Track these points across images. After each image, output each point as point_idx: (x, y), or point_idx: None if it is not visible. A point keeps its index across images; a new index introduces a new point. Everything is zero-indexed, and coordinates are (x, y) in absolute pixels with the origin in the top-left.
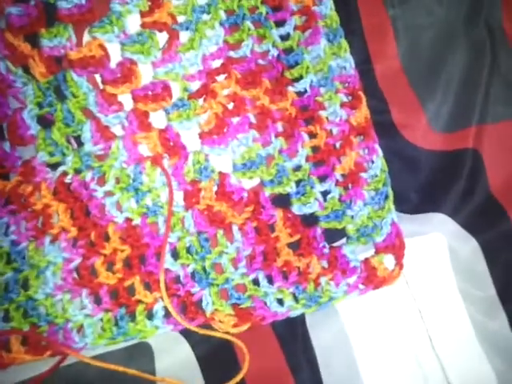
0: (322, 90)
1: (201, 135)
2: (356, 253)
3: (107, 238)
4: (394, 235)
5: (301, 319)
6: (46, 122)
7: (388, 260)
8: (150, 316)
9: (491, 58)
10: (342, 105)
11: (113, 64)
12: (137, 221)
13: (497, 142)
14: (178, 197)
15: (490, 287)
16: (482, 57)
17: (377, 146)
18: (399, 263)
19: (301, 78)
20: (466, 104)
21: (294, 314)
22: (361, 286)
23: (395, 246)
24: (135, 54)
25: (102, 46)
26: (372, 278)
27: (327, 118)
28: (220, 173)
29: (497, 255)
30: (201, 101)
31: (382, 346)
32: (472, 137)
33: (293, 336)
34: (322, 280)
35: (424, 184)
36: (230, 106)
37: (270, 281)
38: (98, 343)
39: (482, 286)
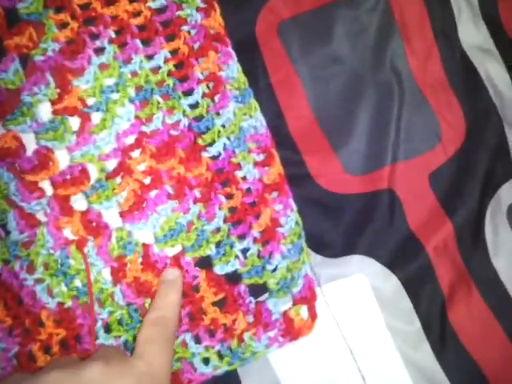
0: (236, 150)
1: (121, 213)
2: (278, 305)
3: (42, 324)
4: (306, 287)
5: (233, 374)
6: None
7: (305, 311)
8: None
9: (399, 99)
10: (256, 164)
11: (29, 153)
12: (68, 303)
13: (410, 178)
14: (106, 273)
15: (415, 320)
16: (391, 98)
17: (291, 201)
18: (312, 314)
19: (214, 142)
20: (378, 146)
21: (218, 372)
22: (280, 339)
23: (308, 297)
24: (50, 141)
25: (16, 137)
26: (290, 330)
27: (243, 177)
28: (144, 244)
29: (417, 289)
30: (118, 179)
31: None
32: (386, 177)
33: None
34: (246, 335)
35: (344, 227)
36: (147, 180)
37: (198, 340)
38: None
39: (408, 320)
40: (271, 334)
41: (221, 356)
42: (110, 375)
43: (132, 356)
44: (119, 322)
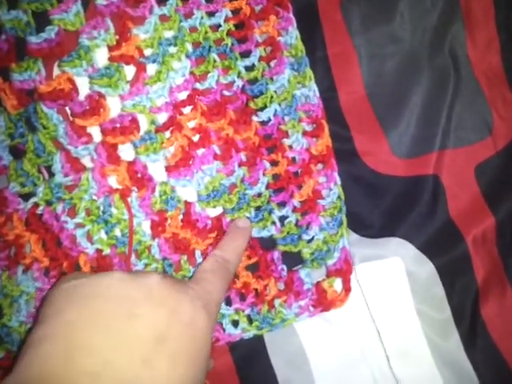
0: (286, 118)
1: (167, 168)
2: (311, 276)
3: (78, 268)
4: (342, 260)
5: (259, 340)
6: (17, 153)
7: (339, 283)
8: None
9: (454, 85)
10: (305, 133)
11: (81, 97)
12: (106, 251)
13: (456, 167)
14: (146, 226)
15: (446, 309)
16: (446, 84)
17: (335, 175)
18: (346, 287)
19: (265, 107)
20: (428, 130)
21: (246, 335)
22: (311, 308)
23: (343, 270)
24: (103, 87)
25: (70, 80)
26: (322, 301)
27: (290, 146)
28: (186, 202)
29: (452, 278)
30: (167, 133)
31: (341, 366)
32: (433, 162)
33: (251, 358)
34: (276, 302)
35: (385, 209)
36: (196, 138)
37: (228, 302)
38: None
39: (439, 308)
40: (302, 302)
41: (250, 320)
42: (167, 288)
43: (189, 280)
44: None
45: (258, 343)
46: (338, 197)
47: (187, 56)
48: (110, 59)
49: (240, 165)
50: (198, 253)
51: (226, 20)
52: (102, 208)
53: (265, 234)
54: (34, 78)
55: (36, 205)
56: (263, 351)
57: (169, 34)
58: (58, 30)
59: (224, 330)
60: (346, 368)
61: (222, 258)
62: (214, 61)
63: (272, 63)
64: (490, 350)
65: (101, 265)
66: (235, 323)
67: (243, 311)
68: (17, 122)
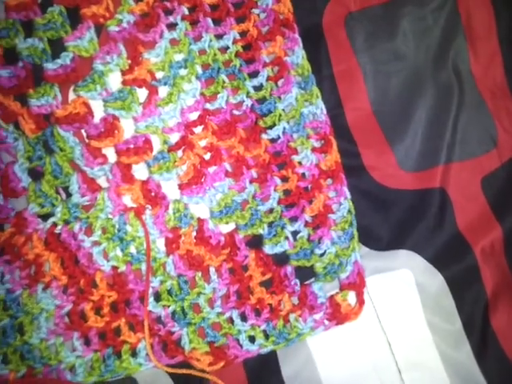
0: (295, 135)
1: (180, 186)
2: (324, 290)
3: (95, 285)
4: (355, 273)
5: (272, 353)
6: (36, 175)
7: (352, 296)
8: (134, 354)
9: (458, 100)
10: (313, 150)
11: (96, 120)
12: (122, 268)
13: (462, 180)
14: (160, 243)
15: (457, 320)
16: (450, 99)
17: (345, 189)
18: (360, 300)
19: (274, 125)
20: (433, 144)
21: (264, 351)
22: (326, 322)
23: (356, 283)
24: (117, 110)
25: (85, 104)
26: (336, 314)
27: (299, 162)
28: (199, 219)
29: (462, 289)
30: (180, 152)
31: (352, 378)
32: (439, 176)
33: (263, 370)
34: (291, 317)
35: (393, 222)
36: (207, 156)
37: (244, 318)
38: (88, 381)
39: (449, 320)
40: (317, 316)
41: (266, 335)
42: None
43: None
44: (169, 292)
45: (270, 357)
46: (349, 211)
47: (197, 78)
48: (123, 83)
49: (251, 181)
50: (212, 269)
51: (234, 42)
52: (117, 226)
53: (278, 250)
54: (50, 102)
55: (54, 224)
56: (275, 364)
57: (179, 57)
58: (73, 57)
59: (241, 346)
60: (357, 380)
61: None
62: (223, 82)
63: (280, 82)
64: (500, 360)
65: (116, 282)
66: (252, 339)
67: (259, 327)
68: (35, 146)
